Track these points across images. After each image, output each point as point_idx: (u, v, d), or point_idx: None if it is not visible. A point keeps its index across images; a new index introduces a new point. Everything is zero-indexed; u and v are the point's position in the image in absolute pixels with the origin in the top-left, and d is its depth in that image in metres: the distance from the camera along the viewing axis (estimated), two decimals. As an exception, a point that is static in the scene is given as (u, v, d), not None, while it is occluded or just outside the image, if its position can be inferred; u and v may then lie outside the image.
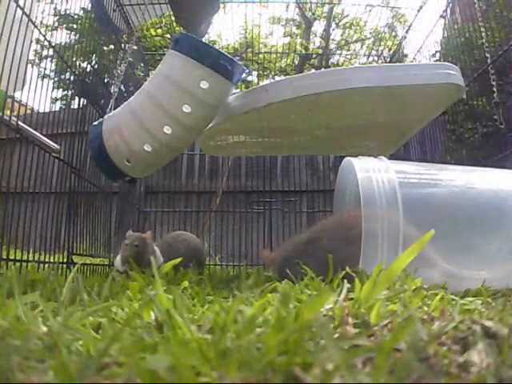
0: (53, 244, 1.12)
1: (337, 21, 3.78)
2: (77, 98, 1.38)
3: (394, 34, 2.02)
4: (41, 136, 1.11)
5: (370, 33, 2.73)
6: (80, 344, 0.26)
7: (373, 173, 0.70)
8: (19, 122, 0.96)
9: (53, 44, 1.12)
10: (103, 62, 1.74)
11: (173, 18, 1.66)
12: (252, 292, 0.46)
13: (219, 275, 1.19)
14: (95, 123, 1.04)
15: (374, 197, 0.67)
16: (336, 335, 0.28)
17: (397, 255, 0.40)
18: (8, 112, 0.94)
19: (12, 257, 0.88)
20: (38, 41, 1.16)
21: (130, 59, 1.55)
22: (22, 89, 1.01)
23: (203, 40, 1.45)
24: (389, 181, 0.68)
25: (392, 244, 0.65)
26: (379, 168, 0.71)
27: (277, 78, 3.04)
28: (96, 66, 1.59)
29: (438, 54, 1.72)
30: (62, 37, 1.23)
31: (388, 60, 1.90)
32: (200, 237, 1.76)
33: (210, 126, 1.06)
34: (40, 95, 1.04)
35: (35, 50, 1.60)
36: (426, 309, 0.38)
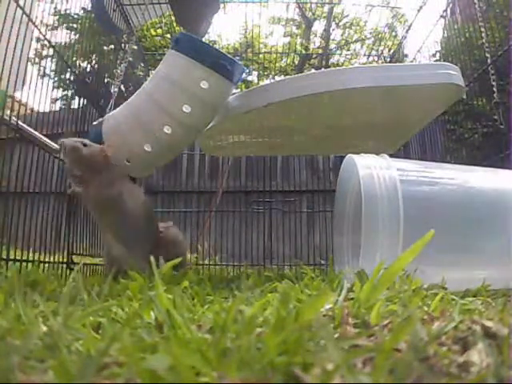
0: (53, 244, 1.12)
1: (337, 21, 3.78)
2: (77, 98, 1.38)
3: (394, 33, 2.02)
4: (41, 136, 1.11)
5: (370, 33, 2.74)
6: (80, 344, 0.26)
7: (374, 170, 0.70)
8: (19, 122, 0.96)
9: (53, 44, 1.12)
10: (103, 61, 1.74)
11: (173, 18, 1.66)
12: (252, 292, 0.46)
13: (219, 275, 1.19)
14: (95, 123, 1.04)
15: (375, 194, 0.67)
16: (336, 335, 0.28)
17: (397, 254, 0.40)
18: (8, 112, 0.94)
19: (12, 257, 0.88)
20: (38, 39, 1.16)
21: (130, 59, 1.55)
22: (22, 88, 1.01)
23: (203, 40, 1.45)
24: (390, 178, 0.68)
25: (392, 243, 0.65)
26: (381, 165, 0.71)
27: (277, 78, 3.04)
28: (96, 66, 1.59)
29: (438, 54, 1.72)
30: (61, 36, 1.23)
31: (388, 60, 1.90)
32: (200, 237, 1.76)
33: (210, 125, 1.06)
34: (40, 95, 1.04)
35: (35, 49, 1.60)
36: (426, 309, 0.38)
